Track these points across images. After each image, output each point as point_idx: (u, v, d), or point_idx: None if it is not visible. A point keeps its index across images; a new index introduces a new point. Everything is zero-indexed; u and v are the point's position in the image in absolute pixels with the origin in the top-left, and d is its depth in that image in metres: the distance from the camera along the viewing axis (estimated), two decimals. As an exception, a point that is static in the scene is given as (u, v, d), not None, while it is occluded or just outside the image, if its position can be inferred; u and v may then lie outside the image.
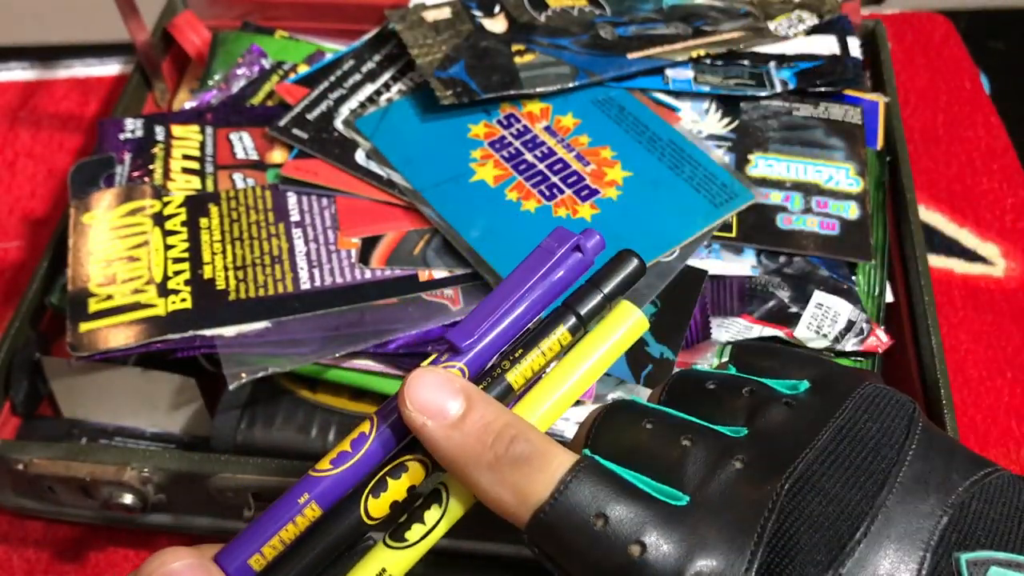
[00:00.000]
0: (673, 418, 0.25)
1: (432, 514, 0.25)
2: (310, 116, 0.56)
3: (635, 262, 0.27)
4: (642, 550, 0.21)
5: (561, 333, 0.26)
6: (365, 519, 0.25)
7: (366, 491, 0.25)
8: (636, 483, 0.23)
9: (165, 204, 0.52)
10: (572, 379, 0.26)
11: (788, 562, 0.21)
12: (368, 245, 0.50)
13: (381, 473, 0.25)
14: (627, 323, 0.26)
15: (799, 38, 0.61)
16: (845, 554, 0.21)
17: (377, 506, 0.25)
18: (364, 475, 0.25)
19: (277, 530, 0.25)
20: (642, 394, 0.44)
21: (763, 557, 0.21)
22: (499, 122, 0.55)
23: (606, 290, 0.27)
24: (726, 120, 0.56)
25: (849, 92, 0.58)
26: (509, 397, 0.26)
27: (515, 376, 0.26)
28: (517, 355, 0.26)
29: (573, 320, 0.27)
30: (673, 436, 0.24)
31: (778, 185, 0.53)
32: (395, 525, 0.25)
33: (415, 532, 0.25)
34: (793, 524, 0.21)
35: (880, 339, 0.47)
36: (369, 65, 0.60)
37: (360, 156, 0.54)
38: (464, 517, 0.25)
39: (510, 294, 0.27)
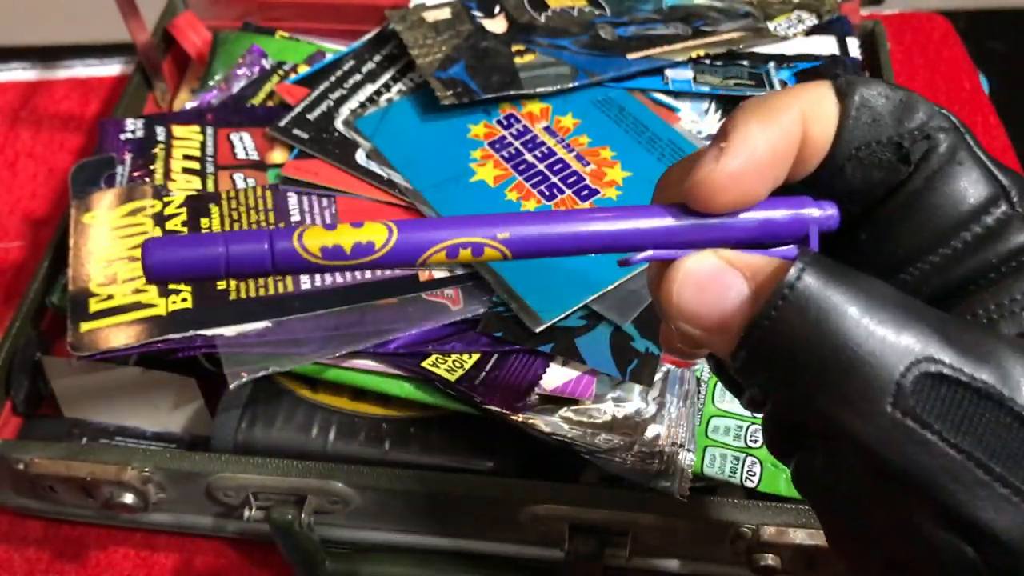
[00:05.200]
0: None
1: None
2: (310, 116, 0.56)
3: None
4: None
5: None
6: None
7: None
8: None
9: (166, 204, 0.52)
10: None
11: None
12: (368, 245, 0.50)
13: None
14: None
15: (798, 38, 0.61)
16: None
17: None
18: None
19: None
20: (632, 390, 0.44)
21: None
22: (499, 122, 0.55)
23: None
24: (726, 120, 0.57)
25: (848, 92, 0.58)
26: None
27: None
28: None
29: None
30: None
31: (778, 185, 0.53)
32: None
33: None
34: None
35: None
36: (369, 65, 0.60)
37: (360, 156, 0.54)
38: None
39: None
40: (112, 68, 0.77)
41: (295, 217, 0.52)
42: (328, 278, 0.49)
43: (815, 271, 0.21)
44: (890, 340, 0.20)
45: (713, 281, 0.22)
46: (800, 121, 0.23)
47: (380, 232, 0.23)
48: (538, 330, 0.45)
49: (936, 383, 0.20)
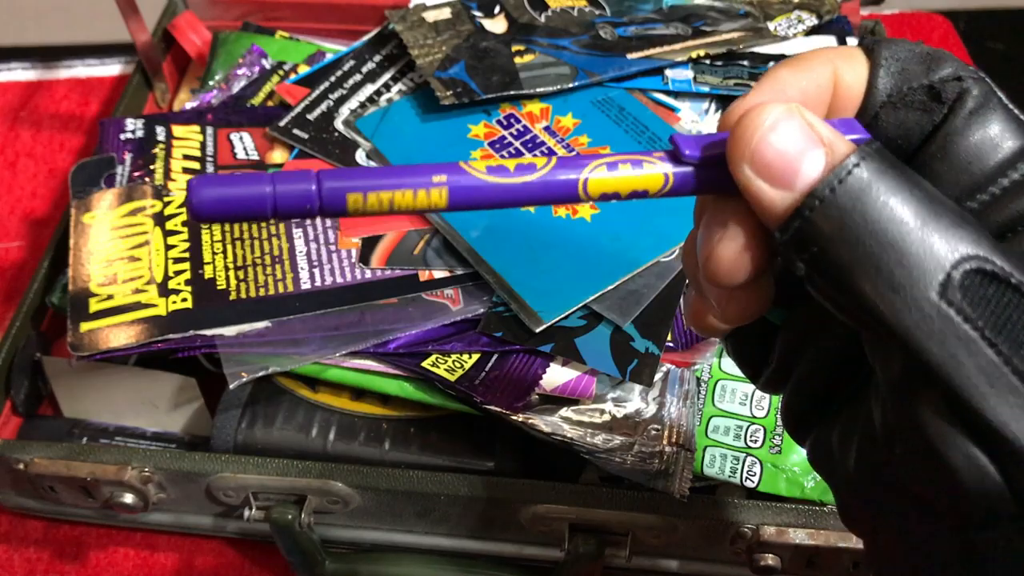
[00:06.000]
0: None
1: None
2: (310, 116, 0.56)
3: None
4: None
5: None
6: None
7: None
8: None
9: (166, 204, 0.52)
10: None
11: None
12: (368, 245, 0.50)
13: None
14: None
15: (798, 38, 0.61)
16: None
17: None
18: (508, 199, 0.22)
19: (397, 186, 0.21)
20: (632, 390, 0.44)
21: None
22: (499, 122, 0.55)
23: None
24: (726, 120, 0.57)
25: (848, 92, 0.58)
26: None
27: None
28: None
29: None
30: None
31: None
32: None
33: None
34: None
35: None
36: (369, 65, 0.60)
37: (360, 156, 0.54)
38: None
39: None
40: (112, 68, 0.77)
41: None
42: (328, 278, 0.49)
43: (883, 156, 0.21)
44: (946, 233, 0.20)
45: (796, 133, 0.21)
46: (831, 71, 0.24)
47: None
48: (538, 330, 0.45)
49: (985, 281, 0.20)
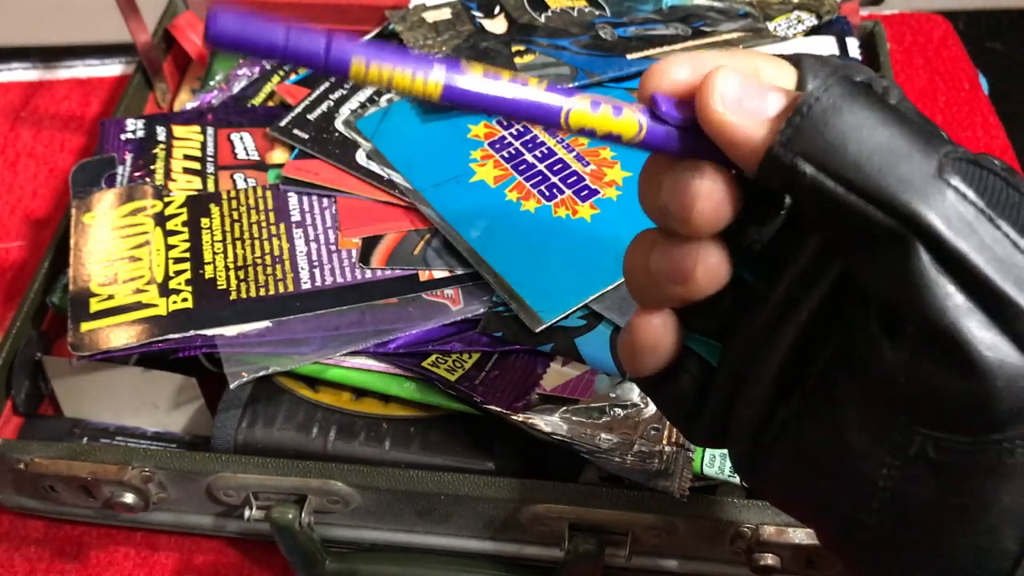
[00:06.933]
0: None
1: None
2: (311, 116, 0.56)
3: None
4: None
5: None
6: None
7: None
8: None
9: (166, 204, 0.52)
10: None
11: None
12: (368, 245, 0.50)
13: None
14: None
15: (798, 39, 0.61)
16: None
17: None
18: (495, 107, 0.23)
19: (399, 64, 0.22)
20: (632, 390, 0.44)
21: None
22: (499, 122, 0.55)
23: None
24: (725, 121, 0.57)
25: (848, 93, 0.58)
26: None
27: None
28: None
29: None
30: None
31: (777, 185, 0.53)
32: None
33: None
34: None
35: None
36: (369, 66, 0.60)
37: (361, 156, 0.54)
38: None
39: None
40: (113, 68, 0.77)
41: (295, 218, 0.52)
42: (328, 278, 0.49)
43: (850, 80, 0.22)
44: (927, 130, 0.21)
45: (752, 81, 0.22)
46: (754, 70, 0.24)
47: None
48: (538, 330, 0.45)
49: (972, 168, 0.21)
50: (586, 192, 0.51)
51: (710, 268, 0.24)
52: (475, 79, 0.22)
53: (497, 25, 0.60)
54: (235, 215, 0.52)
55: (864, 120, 0.21)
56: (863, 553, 0.24)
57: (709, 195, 0.23)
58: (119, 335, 0.46)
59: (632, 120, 0.23)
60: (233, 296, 0.48)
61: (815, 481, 0.24)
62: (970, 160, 0.21)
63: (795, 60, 0.24)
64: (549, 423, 0.43)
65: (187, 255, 0.50)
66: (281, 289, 0.48)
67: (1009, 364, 0.20)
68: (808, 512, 0.26)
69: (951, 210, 0.20)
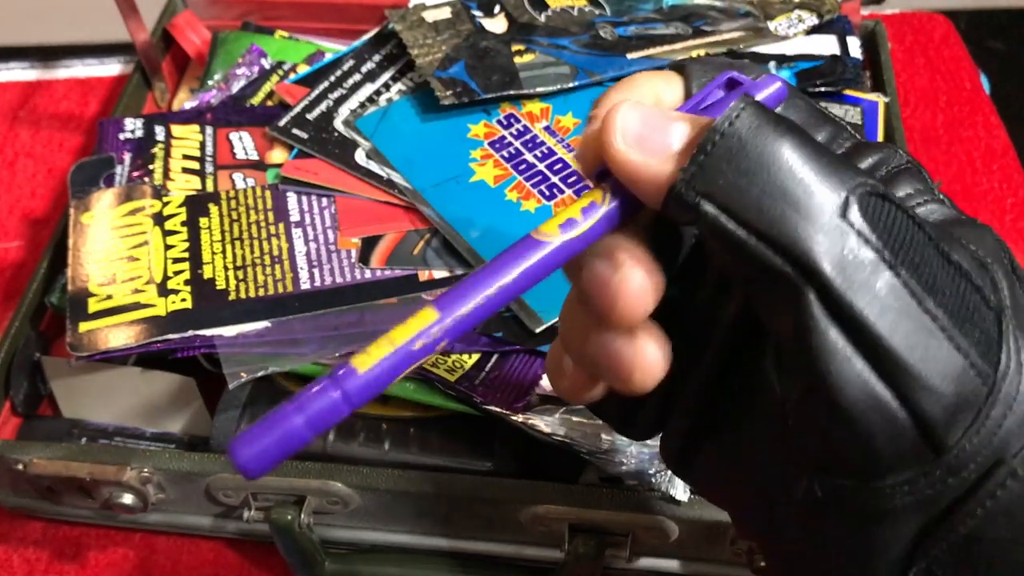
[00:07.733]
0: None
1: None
2: (310, 116, 0.56)
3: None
4: None
5: None
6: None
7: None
8: None
9: (165, 204, 0.52)
10: None
11: None
12: (368, 245, 0.50)
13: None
14: None
15: (799, 38, 0.61)
16: None
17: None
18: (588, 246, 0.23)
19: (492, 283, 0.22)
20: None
21: None
22: (499, 122, 0.55)
23: None
24: (726, 120, 0.56)
25: (849, 92, 0.58)
26: None
27: None
28: None
29: None
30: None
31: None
32: None
33: None
34: None
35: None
36: (369, 65, 0.60)
37: (360, 156, 0.54)
38: None
39: None
40: (112, 68, 0.76)
41: (294, 217, 0.52)
42: (328, 278, 0.49)
43: (758, 108, 0.21)
44: (838, 163, 0.20)
45: (654, 115, 0.22)
46: (655, 92, 0.24)
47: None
48: (538, 330, 0.45)
49: (879, 204, 0.20)
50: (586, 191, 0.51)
51: (650, 364, 0.23)
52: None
53: (497, 24, 0.60)
54: (234, 215, 0.52)
55: (770, 158, 0.20)
56: (773, 556, 0.25)
57: (635, 284, 0.22)
58: (118, 335, 0.46)
59: (577, 208, 0.23)
60: (232, 296, 0.48)
61: (734, 487, 0.25)
62: (879, 194, 0.20)
63: (678, 67, 0.24)
64: (549, 424, 0.43)
65: (186, 255, 0.50)
66: (280, 289, 0.48)
67: (890, 418, 0.20)
68: (731, 511, 0.27)
69: (848, 256, 0.20)
